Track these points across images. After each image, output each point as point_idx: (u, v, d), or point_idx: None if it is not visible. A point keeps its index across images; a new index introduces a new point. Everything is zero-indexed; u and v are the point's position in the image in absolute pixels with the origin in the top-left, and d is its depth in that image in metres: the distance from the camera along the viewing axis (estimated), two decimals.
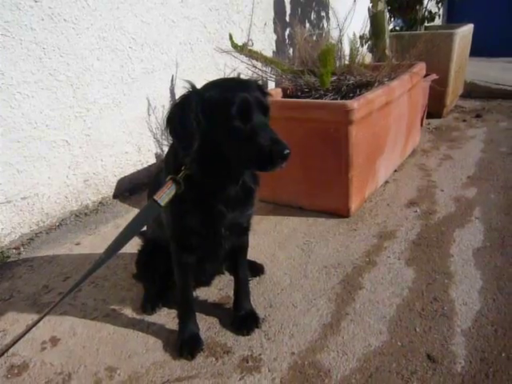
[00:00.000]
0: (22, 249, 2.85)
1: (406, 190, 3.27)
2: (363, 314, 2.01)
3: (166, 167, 1.76)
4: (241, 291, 2.03)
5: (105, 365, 1.82)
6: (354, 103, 2.57)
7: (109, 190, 3.46)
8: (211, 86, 1.53)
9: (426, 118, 4.92)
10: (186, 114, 1.43)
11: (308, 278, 2.29)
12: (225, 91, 1.46)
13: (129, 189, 3.58)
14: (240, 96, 1.41)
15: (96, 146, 3.29)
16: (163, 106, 3.77)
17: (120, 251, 1.60)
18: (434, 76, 4.63)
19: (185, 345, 1.86)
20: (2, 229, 2.82)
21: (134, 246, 2.29)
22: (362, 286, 2.20)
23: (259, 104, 1.45)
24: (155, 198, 1.54)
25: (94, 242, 2.86)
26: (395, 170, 3.60)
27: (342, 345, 1.82)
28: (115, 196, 3.51)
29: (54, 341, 2.00)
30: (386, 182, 3.40)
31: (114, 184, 3.50)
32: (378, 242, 2.59)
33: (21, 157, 2.84)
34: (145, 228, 2.29)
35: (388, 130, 3.15)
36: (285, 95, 3.41)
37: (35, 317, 2.15)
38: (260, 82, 1.62)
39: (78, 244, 2.85)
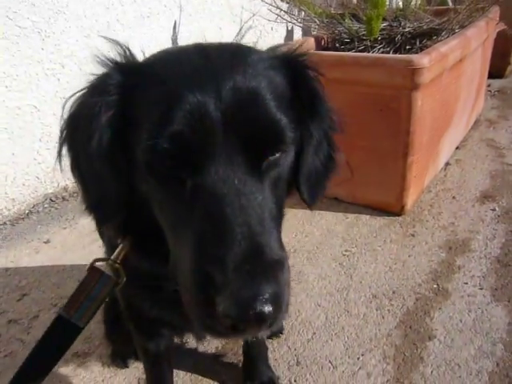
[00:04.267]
0: None
1: (475, 176, 2.49)
2: None
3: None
4: (254, 351, 1.35)
5: None
6: (423, 59, 1.78)
7: None
8: (158, 61, 0.74)
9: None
10: (89, 131, 0.68)
11: (351, 315, 1.60)
12: (169, 80, 0.66)
13: None
14: (189, 102, 0.62)
15: None
16: None
17: None
18: (501, 25, 3.71)
19: None
20: None
21: None
22: (432, 335, 1.50)
23: (249, 125, 0.64)
24: (62, 312, 0.82)
25: (68, 240, 2.21)
26: (457, 147, 2.81)
27: None
28: None
29: None
30: (447, 163, 2.62)
31: None
32: (448, 257, 1.87)
33: None
34: None
35: (458, 95, 2.35)
36: (318, 47, 2.61)
37: None
38: (295, 49, 0.79)
39: (47, 242, 2.20)
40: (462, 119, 2.63)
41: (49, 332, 0.82)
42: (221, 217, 0.59)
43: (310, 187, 0.80)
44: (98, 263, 0.84)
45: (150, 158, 0.63)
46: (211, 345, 1.52)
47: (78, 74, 2.53)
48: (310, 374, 1.39)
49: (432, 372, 1.37)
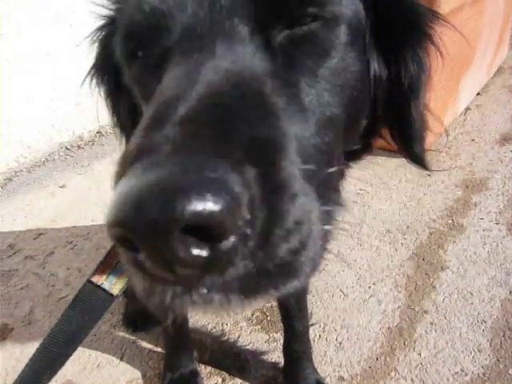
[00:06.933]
0: None
1: (496, 120, 2.42)
2: (449, 313, 1.31)
3: None
4: (298, 350, 1.16)
5: None
6: None
7: None
8: None
9: None
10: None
11: (364, 248, 1.59)
12: None
13: None
14: None
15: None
16: None
17: None
18: None
19: None
20: None
21: None
22: (445, 266, 1.48)
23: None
24: (92, 278, 0.67)
25: (83, 184, 2.23)
26: (478, 93, 2.72)
27: (418, 367, 1.16)
28: None
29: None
30: (467, 108, 2.54)
31: None
32: (464, 195, 1.83)
33: None
34: None
35: (479, 35, 2.25)
36: None
37: None
38: None
39: (62, 186, 2.23)
40: (484, 62, 2.53)
41: (76, 299, 0.68)
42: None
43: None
44: None
45: (125, 42, 0.57)
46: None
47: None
48: (320, 301, 1.40)
49: (444, 300, 1.36)
